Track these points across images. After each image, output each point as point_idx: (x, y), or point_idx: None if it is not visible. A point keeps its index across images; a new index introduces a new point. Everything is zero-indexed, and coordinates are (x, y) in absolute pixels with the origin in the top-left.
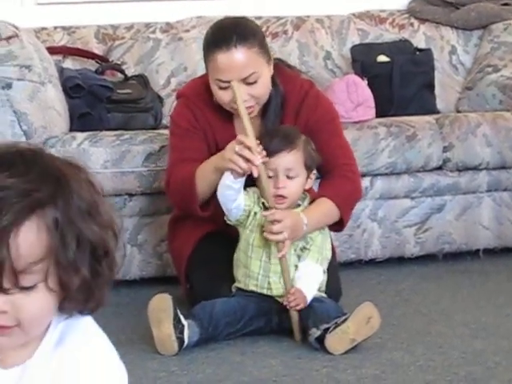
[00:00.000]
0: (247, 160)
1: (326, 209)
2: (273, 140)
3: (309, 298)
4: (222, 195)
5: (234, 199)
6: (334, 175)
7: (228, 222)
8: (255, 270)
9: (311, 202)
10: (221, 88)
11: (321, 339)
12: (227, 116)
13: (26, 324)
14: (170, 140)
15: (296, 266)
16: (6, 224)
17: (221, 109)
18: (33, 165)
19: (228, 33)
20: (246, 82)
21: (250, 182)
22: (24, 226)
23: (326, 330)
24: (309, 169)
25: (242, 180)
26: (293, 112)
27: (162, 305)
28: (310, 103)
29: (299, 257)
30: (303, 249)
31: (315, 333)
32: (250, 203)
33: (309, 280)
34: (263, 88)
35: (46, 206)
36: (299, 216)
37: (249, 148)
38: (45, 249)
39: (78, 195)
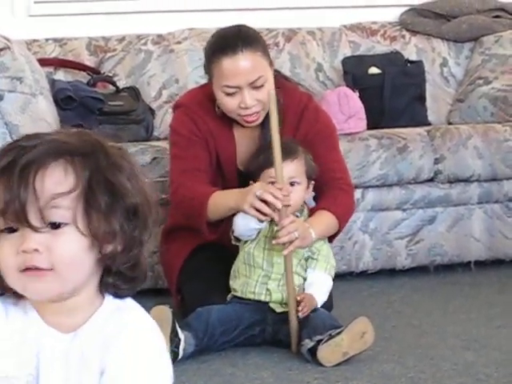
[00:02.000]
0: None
1: (328, 221)
2: (269, 153)
3: (319, 305)
4: (244, 235)
5: (256, 233)
6: (332, 188)
7: (235, 243)
8: (254, 278)
9: (310, 215)
10: (228, 94)
11: (313, 351)
12: (228, 125)
13: (60, 267)
14: (172, 150)
15: (300, 276)
16: (30, 161)
17: (222, 118)
18: (75, 133)
19: (232, 39)
20: (253, 86)
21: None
22: (50, 165)
23: (319, 342)
24: (309, 178)
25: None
26: (292, 124)
27: (160, 316)
28: (309, 117)
29: (303, 267)
30: (308, 259)
31: (308, 344)
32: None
33: (320, 288)
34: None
35: (76, 157)
36: (308, 227)
37: (274, 196)
38: (72, 186)
39: (114, 161)
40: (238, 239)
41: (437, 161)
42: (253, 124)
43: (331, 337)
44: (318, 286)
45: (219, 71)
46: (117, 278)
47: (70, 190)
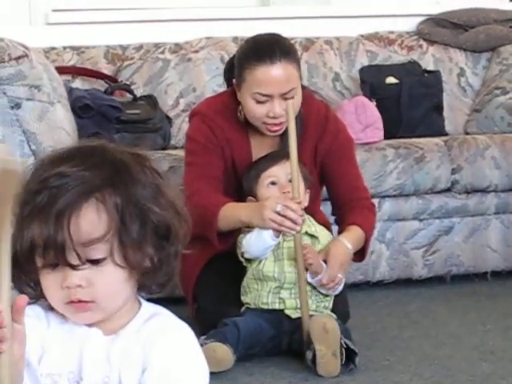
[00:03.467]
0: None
1: (360, 236)
2: (268, 156)
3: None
4: (260, 255)
5: (271, 251)
6: (359, 207)
7: (246, 264)
8: (266, 290)
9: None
10: (258, 102)
11: (315, 361)
12: (245, 133)
13: (101, 299)
14: (187, 157)
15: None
16: (64, 206)
17: (239, 126)
18: (90, 156)
19: (270, 47)
20: (284, 97)
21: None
22: (83, 207)
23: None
24: (305, 179)
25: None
26: (314, 135)
27: (222, 357)
28: (332, 128)
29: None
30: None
31: (309, 355)
32: None
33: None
34: (297, 104)
35: (104, 191)
36: (346, 248)
37: (292, 210)
38: (105, 228)
39: (139, 180)
40: (248, 260)
41: (454, 171)
42: (276, 133)
43: (314, 354)
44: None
45: (253, 78)
46: (153, 285)
47: (105, 232)
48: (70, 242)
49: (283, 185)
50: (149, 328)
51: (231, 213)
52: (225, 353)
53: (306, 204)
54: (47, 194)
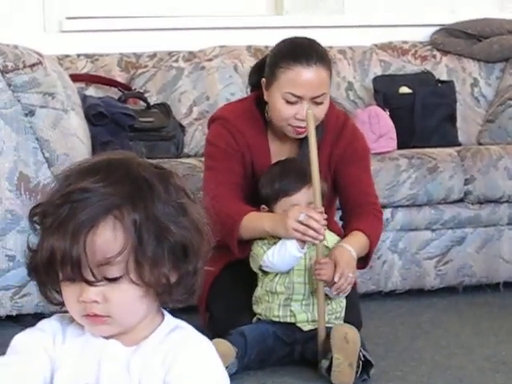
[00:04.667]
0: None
1: (364, 242)
2: (289, 178)
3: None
4: (286, 265)
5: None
6: (365, 213)
7: (260, 272)
8: (276, 303)
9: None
10: (288, 102)
11: (330, 370)
12: (265, 139)
13: (116, 314)
14: (207, 161)
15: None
16: (81, 222)
17: (259, 132)
18: (115, 171)
19: (308, 49)
20: (314, 101)
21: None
22: (100, 224)
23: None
24: (322, 198)
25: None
26: (330, 141)
27: (223, 352)
28: (348, 135)
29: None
30: None
31: (324, 364)
32: None
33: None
34: (324, 111)
35: (123, 208)
36: (349, 253)
37: (316, 220)
38: (121, 246)
39: (160, 198)
40: (265, 272)
41: (467, 181)
42: (300, 136)
43: (330, 362)
44: None
45: (287, 77)
46: (174, 301)
47: (120, 250)
48: (85, 259)
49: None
50: (171, 341)
51: (255, 222)
52: (226, 348)
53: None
54: (68, 208)
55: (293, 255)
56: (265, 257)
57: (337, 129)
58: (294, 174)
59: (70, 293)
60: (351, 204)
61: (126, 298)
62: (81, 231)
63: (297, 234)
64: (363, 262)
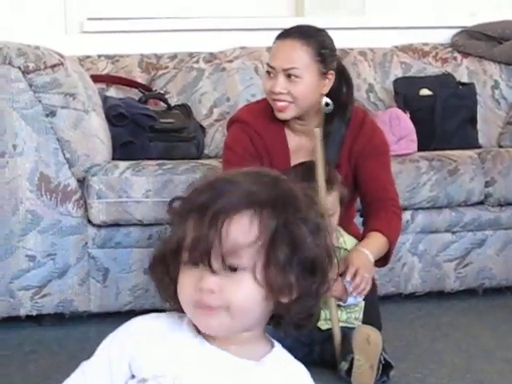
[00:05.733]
0: None
1: (381, 243)
2: (311, 183)
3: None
4: None
5: None
6: (384, 209)
7: None
8: None
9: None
10: (268, 73)
11: (350, 372)
12: (283, 138)
13: (233, 309)
14: (224, 167)
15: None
16: (221, 208)
17: (277, 132)
18: (264, 177)
19: (294, 27)
20: (286, 73)
21: None
22: (238, 213)
23: (353, 360)
24: (341, 204)
25: None
26: (351, 138)
27: None
28: (367, 132)
29: None
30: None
31: (344, 366)
32: None
33: None
34: (302, 91)
35: (265, 208)
36: (366, 256)
37: None
38: (254, 238)
39: (301, 211)
40: None
41: (487, 184)
42: (281, 114)
43: (351, 363)
44: None
45: (270, 51)
46: (287, 325)
47: (251, 242)
48: (218, 245)
49: None
50: (283, 370)
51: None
52: None
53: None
54: (210, 194)
55: None
56: None
57: (356, 125)
58: (314, 178)
59: (190, 278)
60: (370, 199)
61: (245, 294)
62: (219, 217)
63: None
64: (383, 260)
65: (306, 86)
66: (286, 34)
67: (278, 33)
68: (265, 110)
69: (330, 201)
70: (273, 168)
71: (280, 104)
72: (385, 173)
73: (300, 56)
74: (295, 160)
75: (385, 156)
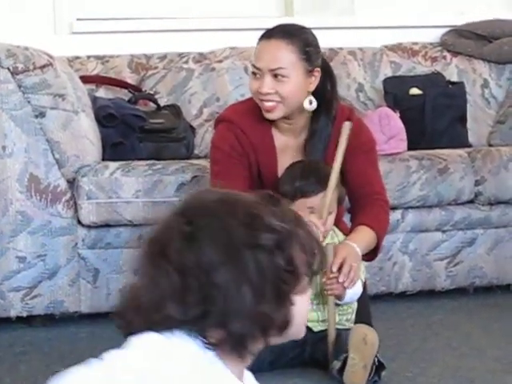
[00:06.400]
0: None
1: (369, 237)
2: (309, 180)
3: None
4: None
5: None
6: (370, 204)
7: None
8: None
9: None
10: (253, 74)
11: (342, 371)
12: (270, 138)
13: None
14: (212, 167)
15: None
16: None
17: (264, 131)
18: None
19: (277, 27)
20: (273, 74)
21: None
22: None
23: (346, 360)
24: (339, 202)
25: None
26: (337, 135)
27: None
28: (353, 129)
29: None
30: None
31: (336, 365)
32: None
33: None
34: (290, 91)
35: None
36: (353, 248)
37: (318, 227)
38: None
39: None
40: None
41: (477, 182)
42: (269, 114)
43: (344, 362)
44: None
45: (254, 52)
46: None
47: None
48: None
49: (320, 214)
50: None
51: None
52: None
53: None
54: None
55: None
56: None
57: (342, 123)
58: (315, 176)
59: None
60: (357, 195)
61: None
62: None
63: None
64: (372, 254)
65: (293, 85)
66: (270, 34)
67: None
68: (251, 109)
69: (330, 199)
70: (260, 167)
71: (268, 104)
72: (372, 169)
73: (286, 55)
74: (282, 159)
75: (372, 152)
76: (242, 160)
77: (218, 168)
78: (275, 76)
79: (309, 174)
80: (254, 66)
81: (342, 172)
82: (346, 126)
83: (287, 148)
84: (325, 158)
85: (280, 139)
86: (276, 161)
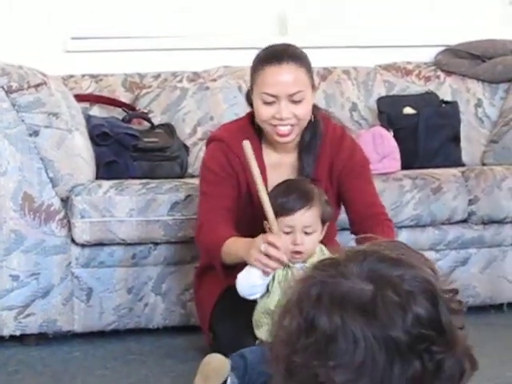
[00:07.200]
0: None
1: None
2: (289, 197)
3: None
4: (248, 291)
5: (261, 292)
6: (379, 225)
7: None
8: None
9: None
10: (265, 103)
11: None
12: (259, 155)
13: None
14: (201, 186)
15: None
16: None
17: (254, 148)
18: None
19: (280, 51)
20: (291, 99)
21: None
22: None
23: None
24: (324, 222)
25: (271, 275)
26: (330, 154)
27: (218, 366)
28: (347, 147)
29: None
30: None
31: None
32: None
33: None
34: (306, 110)
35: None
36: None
37: (276, 247)
38: None
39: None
40: None
41: (471, 202)
42: (284, 139)
43: None
44: None
45: (262, 78)
46: None
47: None
48: None
49: (297, 236)
50: None
51: (232, 248)
52: (220, 361)
53: (320, 237)
54: None
55: (254, 283)
56: (236, 281)
57: (335, 140)
58: (295, 193)
59: None
60: (360, 216)
61: None
62: None
63: (259, 265)
64: None
65: (308, 105)
66: (278, 60)
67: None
68: (242, 127)
69: (306, 217)
70: (249, 186)
71: (285, 129)
72: (370, 187)
73: (301, 78)
74: (273, 177)
75: (367, 171)
76: (230, 180)
77: (205, 187)
78: (292, 100)
79: (289, 192)
80: (266, 93)
81: (339, 194)
82: (247, 145)
83: (280, 165)
84: (316, 174)
85: (272, 157)
86: (265, 179)
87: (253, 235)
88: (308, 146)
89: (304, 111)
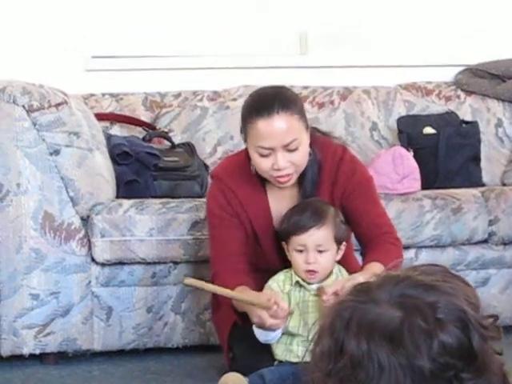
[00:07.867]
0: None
1: (378, 270)
2: (302, 215)
3: None
4: (265, 340)
5: (278, 336)
6: (382, 243)
7: None
8: (294, 344)
9: (352, 271)
10: (262, 155)
11: None
12: (261, 188)
13: None
14: (208, 229)
15: None
16: None
17: (254, 183)
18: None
19: (269, 100)
20: (287, 149)
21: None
22: None
23: None
24: (338, 241)
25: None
26: (329, 179)
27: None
28: (346, 169)
29: None
30: None
31: None
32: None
33: None
34: (303, 155)
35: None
36: (357, 277)
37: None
38: None
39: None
40: None
41: (491, 222)
42: (285, 185)
43: None
44: None
45: (254, 132)
46: None
47: None
48: None
49: (309, 254)
50: None
51: (239, 301)
52: (239, 380)
53: (337, 258)
54: None
55: (265, 336)
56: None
57: (334, 166)
58: (308, 212)
59: None
60: (365, 239)
61: None
62: None
63: (258, 330)
64: None
65: (304, 150)
66: (268, 111)
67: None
68: (241, 163)
69: (319, 236)
70: (253, 224)
71: (284, 178)
72: (373, 207)
73: (294, 126)
74: (277, 209)
75: (370, 191)
76: (233, 221)
77: (212, 231)
78: (287, 149)
79: (302, 211)
80: (261, 147)
81: (345, 215)
82: (189, 282)
83: (283, 197)
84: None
85: (272, 189)
86: (269, 213)
87: (269, 269)
88: (307, 176)
89: (301, 157)
